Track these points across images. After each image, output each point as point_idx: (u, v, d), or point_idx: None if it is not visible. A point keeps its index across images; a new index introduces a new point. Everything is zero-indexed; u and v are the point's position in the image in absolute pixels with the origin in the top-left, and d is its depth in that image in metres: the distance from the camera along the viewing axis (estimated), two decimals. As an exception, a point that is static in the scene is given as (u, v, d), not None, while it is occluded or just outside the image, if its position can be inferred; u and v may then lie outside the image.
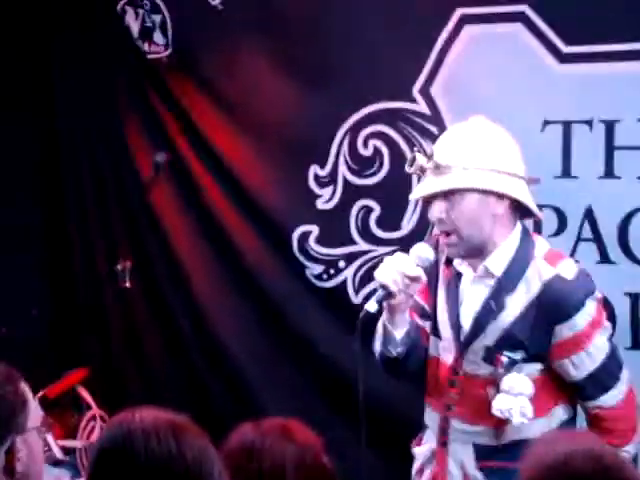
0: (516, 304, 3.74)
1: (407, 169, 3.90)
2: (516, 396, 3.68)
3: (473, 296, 3.85)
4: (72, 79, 6.57)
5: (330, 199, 5.91)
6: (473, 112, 5.40)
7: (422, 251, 3.80)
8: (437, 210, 3.77)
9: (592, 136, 5.28)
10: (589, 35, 5.25)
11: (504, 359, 3.72)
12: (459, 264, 3.89)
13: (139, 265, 6.26)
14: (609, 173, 5.27)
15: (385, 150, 5.73)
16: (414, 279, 3.71)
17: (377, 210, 5.74)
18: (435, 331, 3.97)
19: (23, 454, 2.82)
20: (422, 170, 3.81)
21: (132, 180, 6.38)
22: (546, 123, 5.37)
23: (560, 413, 3.87)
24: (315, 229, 5.90)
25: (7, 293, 6.29)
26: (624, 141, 5.22)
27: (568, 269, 3.80)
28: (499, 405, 3.69)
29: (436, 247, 3.89)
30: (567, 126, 5.34)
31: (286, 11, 5.95)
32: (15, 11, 6.38)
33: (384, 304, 3.78)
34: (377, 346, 3.95)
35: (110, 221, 6.53)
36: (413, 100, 5.67)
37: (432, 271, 3.91)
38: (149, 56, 6.32)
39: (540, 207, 5.24)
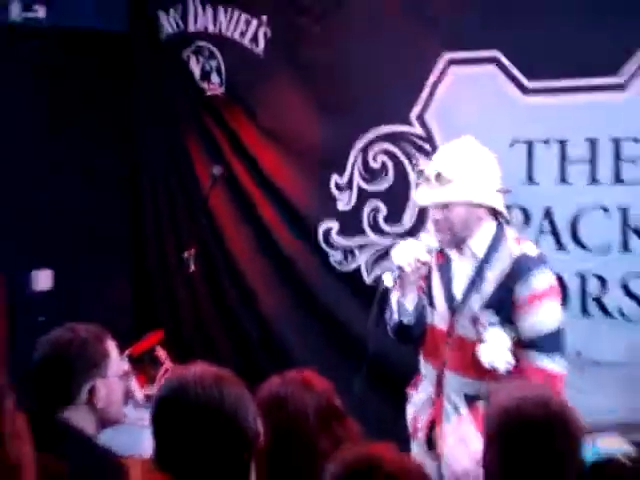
0: (493, 277, 3.78)
1: (415, 178, 3.99)
2: (497, 347, 3.69)
3: (461, 274, 3.89)
4: (149, 113, 6.61)
5: (348, 202, 5.90)
6: (458, 134, 5.46)
7: (430, 241, 3.89)
8: (437, 214, 3.85)
9: (549, 152, 5.28)
10: (546, 73, 5.23)
11: (485, 321, 3.74)
12: (449, 251, 3.94)
13: (200, 254, 6.20)
14: (563, 180, 5.27)
15: (390, 163, 5.73)
16: (424, 263, 3.81)
17: (384, 210, 5.73)
18: (431, 304, 3.97)
19: (103, 394, 2.89)
20: (426, 180, 3.87)
21: (195, 188, 6.38)
22: (514, 142, 5.36)
23: None
24: (336, 225, 5.89)
25: (104, 279, 6.38)
26: (574, 156, 5.22)
27: (531, 249, 3.88)
28: (485, 357, 3.70)
29: None
30: (530, 144, 5.33)
31: (312, 58, 5.95)
32: (105, 61, 6.44)
33: (398, 281, 3.82)
34: (392, 317, 3.97)
35: (177, 220, 6.56)
36: (411, 124, 5.66)
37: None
38: (207, 93, 6.34)
39: (510, 207, 5.38)
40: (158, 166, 6.64)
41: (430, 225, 3.99)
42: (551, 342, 3.74)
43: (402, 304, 3.91)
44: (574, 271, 5.25)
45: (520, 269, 3.74)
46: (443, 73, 5.57)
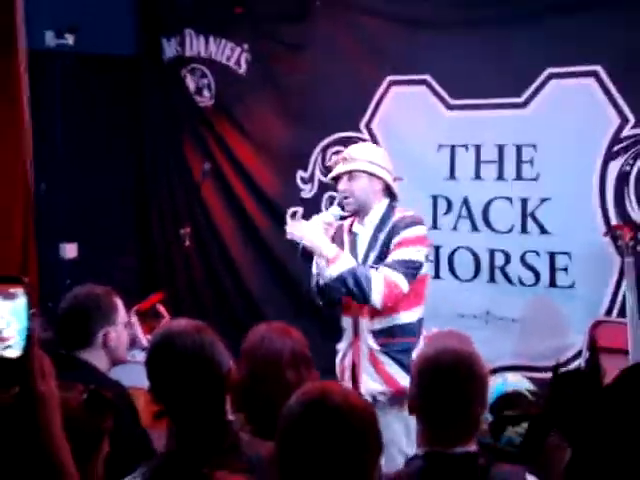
0: (383, 237, 3.76)
1: (328, 163, 4.03)
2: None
3: (363, 241, 3.83)
4: (154, 120, 6.57)
5: (310, 191, 5.89)
6: (396, 139, 5.59)
7: (335, 209, 3.90)
8: (344, 185, 3.83)
9: (467, 154, 5.31)
10: (465, 93, 5.27)
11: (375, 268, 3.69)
12: (355, 227, 3.90)
13: (194, 232, 6.20)
14: (477, 176, 5.31)
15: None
16: (329, 224, 3.78)
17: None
18: None
19: (114, 337, 2.91)
20: (336, 163, 3.90)
21: (190, 180, 6.35)
22: (439, 146, 5.39)
23: (419, 312, 3.80)
24: (300, 209, 5.85)
25: (117, 251, 6.37)
26: (486, 157, 5.26)
27: (409, 213, 3.83)
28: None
29: (342, 207, 3.89)
30: (452, 148, 5.36)
31: (284, 78, 5.94)
32: (120, 78, 6.44)
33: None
34: (314, 280, 3.87)
35: (176, 205, 6.51)
36: (360, 131, 5.67)
37: (339, 228, 3.92)
38: (200, 104, 6.31)
39: (436, 197, 5.47)
40: (161, 162, 6.58)
41: (338, 194, 3.94)
42: (403, 265, 3.64)
43: (318, 264, 3.76)
44: (485, 248, 5.31)
45: (397, 226, 3.74)
46: (386, 92, 5.59)
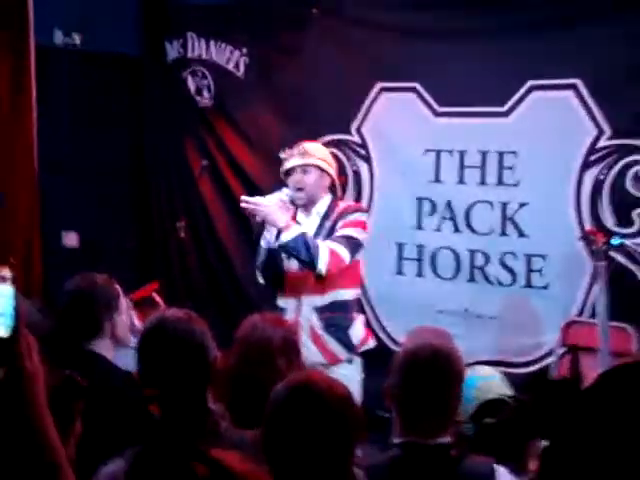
0: (328, 225, 3.97)
1: (281, 155, 4.15)
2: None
3: (308, 226, 3.98)
4: (155, 117, 6.55)
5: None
6: (385, 142, 5.61)
7: (287, 191, 3.99)
8: (298, 177, 4.01)
9: (452, 159, 5.32)
10: (452, 101, 5.28)
11: None
12: (299, 217, 4.05)
13: (190, 224, 6.26)
14: (461, 181, 5.33)
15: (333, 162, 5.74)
16: (284, 202, 3.90)
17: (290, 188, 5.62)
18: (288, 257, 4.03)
19: (119, 325, 2.90)
20: (291, 155, 4.06)
21: (188, 176, 6.36)
22: (426, 151, 5.40)
23: (356, 292, 4.10)
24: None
25: (116, 241, 6.36)
26: (469, 163, 5.27)
27: (352, 204, 4.30)
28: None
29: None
30: (438, 153, 5.37)
31: (280, 80, 5.93)
32: (124, 77, 6.45)
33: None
34: (260, 257, 4.01)
35: (174, 198, 6.50)
36: (351, 134, 5.68)
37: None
38: (200, 105, 6.31)
39: (422, 199, 5.49)
40: (161, 158, 6.57)
41: (291, 185, 4.04)
42: (345, 240, 3.87)
43: (267, 239, 3.95)
44: (466, 248, 5.34)
45: (343, 213, 3.98)
46: (376, 97, 5.59)
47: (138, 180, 6.69)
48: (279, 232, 3.81)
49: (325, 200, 4.04)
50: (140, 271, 6.52)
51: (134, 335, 4.15)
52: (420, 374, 2.25)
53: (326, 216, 4.00)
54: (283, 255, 4.02)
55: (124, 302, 2.98)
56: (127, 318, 3.01)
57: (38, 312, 3.54)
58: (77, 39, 5.95)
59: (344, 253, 3.85)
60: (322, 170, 4.01)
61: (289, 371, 2.48)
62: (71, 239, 6.11)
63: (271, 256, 3.98)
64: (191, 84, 6.35)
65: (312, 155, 4.02)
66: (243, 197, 3.95)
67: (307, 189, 3.99)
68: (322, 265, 3.79)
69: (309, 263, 3.81)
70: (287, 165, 4.06)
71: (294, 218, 4.04)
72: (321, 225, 4.00)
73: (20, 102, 5.72)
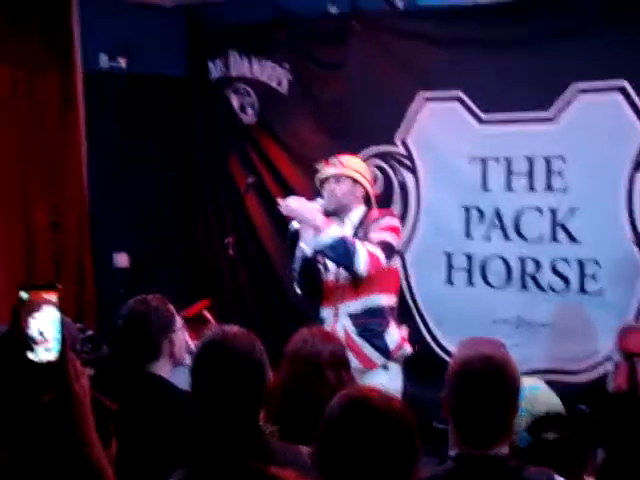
0: (362, 233, 4.00)
1: (318, 167, 4.21)
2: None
3: None
4: (201, 136, 6.61)
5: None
6: (430, 153, 5.59)
7: (320, 201, 4.10)
8: (331, 186, 4.10)
9: (498, 167, 5.29)
10: (497, 108, 5.25)
11: None
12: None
13: (238, 240, 6.21)
14: (508, 188, 5.29)
15: (379, 174, 5.68)
16: (317, 210, 3.98)
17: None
18: (325, 267, 4.09)
19: (177, 344, 2.86)
20: (327, 165, 4.16)
21: (234, 193, 6.34)
22: (472, 159, 5.37)
23: (392, 299, 4.10)
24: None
25: (166, 260, 6.41)
26: (517, 170, 5.23)
27: (384, 209, 4.32)
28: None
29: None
30: (484, 161, 5.34)
31: (323, 96, 5.95)
32: (170, 97, 6.51)
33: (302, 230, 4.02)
34: (297, 264, 4.09)
35: (222, 215, 6.52)
36: (396, 145, 5.66)
37: None
38: (244, 122, 6.35)
39: (469, 208, 5.45)
40: (207, 176, 6.62)
41: (324, 194, 4.13)
42: (381, 244, 3.92)
43: (302, 248, 4.02)
44: (516, 256, 5.29)
45: (375, 220, 4.04)
46: (420, 107, 5.57)
47: (186, 199, 6.74)
48: (317, 233, 3.88)
49: (359, 210, 4.10)
50: (190, 289, 6.56)
51: (188, 354, 4.17)
52: (475, 384, 2.20)
53: (360, 225, 4.06)
54: (319, 265, 4.07)
55: (179, 321, 2.96)
56: (182, 335, 2.96)
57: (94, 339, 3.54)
58: (122, 62, 6.04)
59: (381, 256, 3.89)
60: (355, 181, 4.08)
61: (339, 385, 2.46)
62: (122, 260, 6.17)
63: (306, 265, 4.06)
64: (235, 102, 6.39)
65: (346, 166, 4.11)
66: (279, 200, 4.00)
67: (339, 197, 4.07)
68: (361, 266, 3.85)
69: (348, 264, 3.87)
70: (321, 175, 4.17)
71: None
72: (355, 234, 4.04)
73: (68, 126, 5.82)
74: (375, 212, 4.14)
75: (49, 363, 1.31)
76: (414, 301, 5.63)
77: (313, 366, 2.62)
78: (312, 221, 3.91)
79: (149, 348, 2.81)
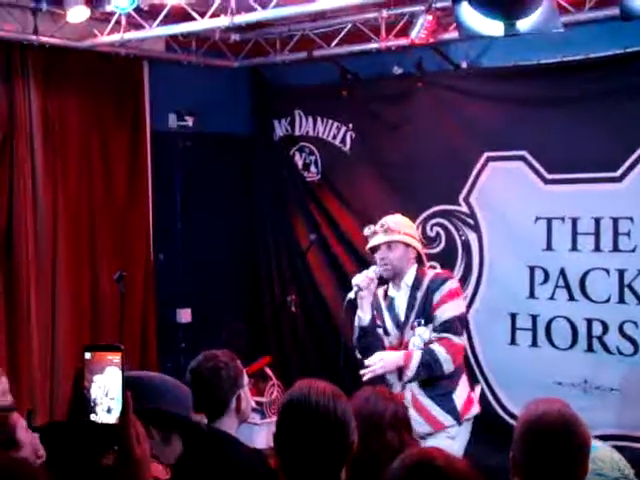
0: (420, 296, 4.00)
1: (366, 232, 4.14)
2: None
3: (401, 303, 4.07)
4: (264, 192, 6.69)
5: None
6: (495, 212, 5.53)
7: (374, 268, 4.07)
8: (383, 253, 4.05)
9: (564, 227, 5.24)
10: (562, 168, 5.22)
11: (416, 323, 3.98)
12: (391, 291, 4.12)
13: (301, 298, 6.24)
14: (574, 248, 5.23)
15: (442, 233, 5.71)
16: (372, 279, 4.00)
17: (438, 267, 5.63)
18: (385, 332, 4.10)
19: (244, 400, 2.85)
20: (375, 233, 4.09)
21: (296, 248, 6.42)
22: (537, 219, 5.33)
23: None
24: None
25: (228, 316, 6.44)
26: (583, 230, 5.18)
27: (439, 272, 4.31)
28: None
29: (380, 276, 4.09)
30: (549, 221, 5.30)
31: (386, 154, 5.99)
32: (235, 155, 6.61)
33: (358, 294, 4.02)
34: (356, 332, 4.12)
35: (284, 272, 6.57)
36: (459, 204, 5.66)
37: (374, 295, 4.10)
38: (307, 179, 6.43)
39: (534, 268, 5.37)
40: (270, 233, 6.68)
41: (377, 261, 4.10)
42: (451, 324, 3.93)
43: (360, 317, 4.05)
44: (582, 317, 5.19)
45: (433, 284, 3.99)
46: (483, 167, 5.57)
47: (249, 256, 6.79)
48: (403, 368, 3.93)
49: (412, 271, 4.07)
50: (252, 345, 6.58)
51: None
52: (549, 441, 2.15)
53: (415, 286, 4.03)
54: (380, 330, 4.09)
55: (246, 378, 2.96)
56: (249, 391, 2.98)
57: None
58: (190, 121, 6.18)
59: (457, 340, 3.94)
60: (407, 245, 4.05)
61: (400, 447, 2.41)
62: (185, 316, 6.22)
63: (365, 333, 4.06)
64: (299, 160, 6.48)
65: (395, 231, 4.06)
66: (363, 371, 3.97)
67: (394, 264, 4.04)
68: (449, 368, 3.90)
69: (440, 375, 3.91)
70: (372, 243, 4.12)
71: (385, 293, 4.14)
72: (412, 296, 4.03)
73: (136, 183, 5.95)
74: (428, 271, 4.11)
75: (110, 425, 1.30)
76: (477, 362, 5.54)
77: (374, 426, 2.56)
78: (395, 367, 3.96)
79: (217, 404, 2.80)
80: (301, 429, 2.16)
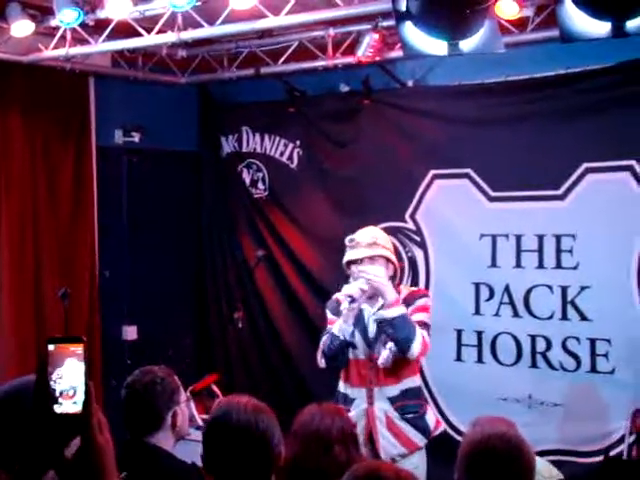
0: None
1: (347, 243, 3.97)
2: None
3: (371, 311, 3.94)
4: (211, 209, 6.68)
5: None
6: (440, 229, 5.58)
7: (360, 282, 3.86)
8: (366, 265, 3.87)
9: (508, 244, 5.29)
10: (506, 186, 5.27)
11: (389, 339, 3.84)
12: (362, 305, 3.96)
13: (247, 315, 6.22)
14: (518, 265, 5.28)
15: None
16: (364, 292, 3.79)
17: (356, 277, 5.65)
18: (353, 346, 3.94)
19: (180, 416, 2.81)
20: (357, 245, 3.93)
21: (244, 265, 6.40)
22: (482, 236, 5.37)
23: (419, 379, 4.05)
24: None
25: (174, 333, 6.41)
26: (526, 247, 5.23)
27: (414, 289, 4.22)
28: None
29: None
30: (494, 238, 5.34)
31: (333, 172, 6.01)
32: (181, 171, 6.61)
33: (346, 310, 3.82)
34: (333, 341, 3.89)
35: (231, 289, 6.54)
36: (405, 221, 5.68)
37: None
38: (255, 196, 6.41)
39: (479, 284, 5.42)
40: (216, 249, 6.65)
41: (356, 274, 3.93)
42: (425, 327, 3.84)
43: (344, 329, 3.84)
44: (526, 333, 5.24)
45: (409, 298, 3.90)
46: (429, 185, 5.61)
47: (196, 273, 6.75)
48: (381, 307, 3.79)
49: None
50: (199, 363, 6.52)
51: (195, 427, 4.12)
52: (494, 464, 2.16)
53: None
54: (354, 341, 3.94)
55: (184, 393, 2.93)
56: (186, 408, 2.94)
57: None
58: (136, 137, 6.13)
59: (428, 340, 3.83)
60: (388, 260, 3.96)
61: (348, 462, 2.42)
62: (131, 333, 6.15)
63: (343, 345, 3.90)
64: (246, 177, 6.46)
65: (380, 245, 3.95)
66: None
67: (379, 279, 3.85)
68: (416, 348, 3.75)
69: (405, 346, 3.75)
70: (354, 255, 3.96)
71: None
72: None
73: (81, 199, 5.88)
74: (404, 289, 4.02)
75: (73, 415, 1.31)
76: (423, 378, 5.54)
77: (322, 442, 2.58)
78: (386, 294, 3.78)
79: (151, 419, 2.77)
80: (224, 445, 2.22)
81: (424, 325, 3.84)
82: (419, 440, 3.91)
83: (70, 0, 4.59)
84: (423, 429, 3.92)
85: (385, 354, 3.85)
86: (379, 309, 3.83)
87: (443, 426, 4.11)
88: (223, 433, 2.23)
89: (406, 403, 3.90)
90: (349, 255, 3.97)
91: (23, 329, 5.47)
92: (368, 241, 3.94)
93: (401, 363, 3.87)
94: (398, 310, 3.75)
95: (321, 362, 4.02)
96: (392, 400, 3.90)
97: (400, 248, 5.69)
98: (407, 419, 3.90)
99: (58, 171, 5.74)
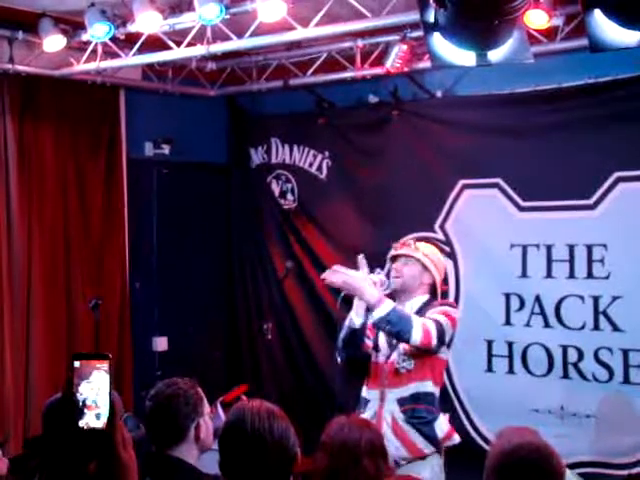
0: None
1: (395, 245, 4.08)
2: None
3: None
4: (241, 221, 6.71)
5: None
6: (470, 239, 5.56)
7: (381, 275, 4.01)
8: (399, 265, 3.97)
9: (539, 253, 5.27)
10: (536, 196, 5.25)
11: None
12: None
13: (277, 326, 6.23)
14: (549, 275, 5.25)
15: None
16: (375, 283, 3.81)
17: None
18: (376, 348, 3.97)
19: (203, 428, 2.79)
20: (403, 245, 4.05)
21: (273, 276, 6.43)
22: (512, 246, 5.36)
23: (438, 389, 3.94)
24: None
25: (205, 344, 6.45)
26: (557, 257, 5.21)
27: (444, 301, 4.12)
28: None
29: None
30: (524, 248, 5.33)
31: (362, 182, 6.03)
32: (212, 183, 6.65)
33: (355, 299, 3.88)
34: (343, 332, 3.96)
35: (260, 299, 6.57)
36: (435, 231, 5.67)
37: None
38: (284, 207, 6.45)
39: (509, 295, 5.39)
40: (247, 261, 6.68)
41: (391, 271, 4.04)
42: (436, 323, 3.76)
43: (352, 318, 3.91)
44: (557, 344, 5.21)
45: (434, 306, 3.90)
46: (459, 194, 5.61)
47: (226, 284, 6.77)
48: (371, 308, 3.75)
49: (422, 298, 3.97)
50: (229, 374, 6.55)
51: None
52: (524, 473, 2.14)
53: (419, 312, 3.88)
54: (368, 342, 3.97)
55: (207, 405, 2.90)
56: (210, 420, 2.90)
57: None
58: (166, 149, 6.19)
59: (434, 332, 3.74)
60: (424, 267, 3.96)
61: (376, 474, 2.43)
62: (161, 344, 6.19)
63: (353, 335, 3.93)
64: (275, 188, 6.50)
65: (419, 250, 3.99)
66: (335, 266, 3.91)
67: (404, 279, 3.95)
68: (416, 336, 3.70)
69: (403, 333, 3.72)
70: (392, 252, 4.07)
71: None
72: None
73: (112, 211, 5.94)
74: (437, 302, 4.00)
75: (98, 430, 1.32)
76: (454, 389, 5.54)
77: (350, 454, 2.58)
78: (364, 296, 3.76)
79: (173, 431, 2.76)
80: (240, 451, 2.23)
81: (435, 321, 3.78)
82: (424, 447, 3.85)
83: (101, 15, 4.66)
84: (429, 436, 3.86)
85: (394, 355, 3.90)
86: (370, 311, 3.79)
87: (457, 437, 4.00)
88: (238, 439, 2.23)
89: (415, 407, 3.87)
90: (392, 252, 4.09)
91: (55, 340, 5.53)
92: (410, 245, 4.04)
93: (416, 366, 3.86)
94: (386, 307, 3.71)
95: (338, 357, 4.08)
96: (401, 403, 3.88)
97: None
98: (412, 423, 3.86)
99: (89, 183, 5.81)
